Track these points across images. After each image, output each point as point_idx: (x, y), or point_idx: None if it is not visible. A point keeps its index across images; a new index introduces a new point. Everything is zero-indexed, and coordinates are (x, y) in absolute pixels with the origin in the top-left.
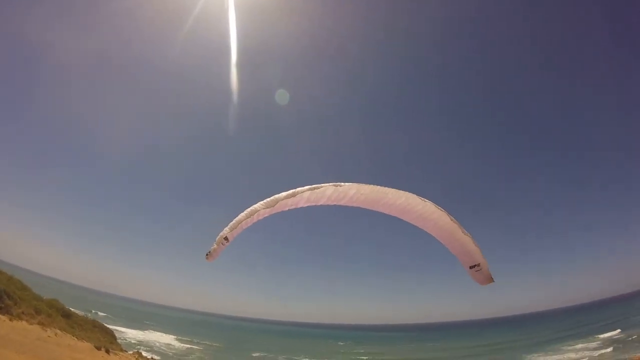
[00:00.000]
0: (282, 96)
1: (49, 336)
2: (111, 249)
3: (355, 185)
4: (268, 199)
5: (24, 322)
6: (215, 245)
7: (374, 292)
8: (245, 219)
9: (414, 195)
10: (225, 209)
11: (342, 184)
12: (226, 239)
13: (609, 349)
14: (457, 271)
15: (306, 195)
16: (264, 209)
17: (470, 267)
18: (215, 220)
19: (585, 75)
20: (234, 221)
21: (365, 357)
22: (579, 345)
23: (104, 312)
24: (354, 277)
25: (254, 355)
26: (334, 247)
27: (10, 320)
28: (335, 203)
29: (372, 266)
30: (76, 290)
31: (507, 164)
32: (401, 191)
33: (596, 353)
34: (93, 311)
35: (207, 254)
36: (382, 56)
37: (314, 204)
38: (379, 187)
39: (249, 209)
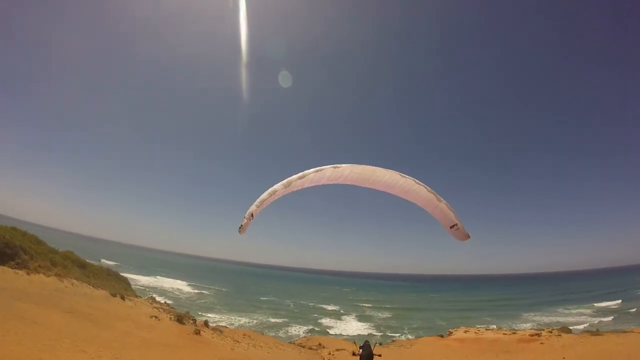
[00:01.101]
0: (285, 78)
1: (65, 287)
2: (114, 199)
3: (349, 165)
4: (284, 181)
5: (41, 275)
6: (245, 220)
7: (379, 241)
8: (267, 198)
9: (396, 172)
10: (230, 160)
11: (340, 165)
12: (252, 215)
13: (609, 318)
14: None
15: (311, 176)
16: (282, 189)
17: (450, 227)
18: (221, 170)
19: (590, 46)
20: (258, 200)
21: (369, 304)
22: (576, 311)
23: (114, 261)
24: (360, 226)
25: (262, 299)
26: (342, 196)
27: (28, 274)
28: (333, 182)
29: (379, 216)
30: (76, 240)
31: (515, 134)
32: (385, 169)
33: (596, 320)
34: (102, 260)
35: (239, 228)
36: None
37: (316, 184)
38: (369, 166)
39: (270, 189)
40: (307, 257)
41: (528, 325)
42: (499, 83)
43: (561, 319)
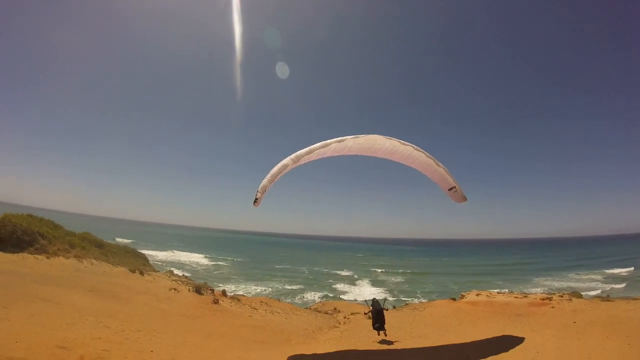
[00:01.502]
0: (281, 68)
1: (85, 267)
2: (121, 177)
3: (352, 137)
4: (293, 155)
5: (60, 258)
6: (259, 194)
7: (391, 207)
8: (278, 172)
9: (397, 140)
10: (240, 134)
11: (344, 138)
12: (265, 189)
13: (621, 285)
14: (471, 193)
15: (318, 150)
16: (291, 163)
17: (449, 190)
18: (232, 143)
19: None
20: (270, 174)
21: (382, 269)
22: (587, 277)
23: (129, 239)
24: (371, 192)
25: (277, 267)
26: (353, 163)
27: (48, 258)
28: (338, 154)
29: (388, 182)
30: (88, 221)
31: (523, 98)
32: (386, 137)
33: (607, 287)
34: (117, 239)
35: (254, 202)
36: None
37: (322, 156)
38: (370, 135)
39: (280, 164)
40: (319, 225)
41: (539, 289)
42: (501, 41)
43: (572, 284)
